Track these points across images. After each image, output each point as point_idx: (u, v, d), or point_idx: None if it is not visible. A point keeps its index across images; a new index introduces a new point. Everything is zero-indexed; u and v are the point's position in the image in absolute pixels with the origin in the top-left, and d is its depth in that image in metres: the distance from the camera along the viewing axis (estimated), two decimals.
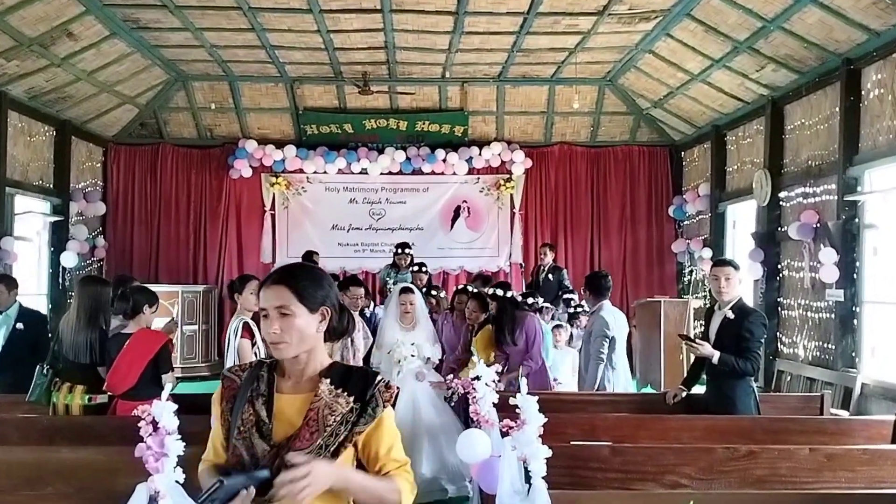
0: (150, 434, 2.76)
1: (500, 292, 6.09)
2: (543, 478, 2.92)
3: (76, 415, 4.97)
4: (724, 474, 3.62)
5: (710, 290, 5.52)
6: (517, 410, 2.96)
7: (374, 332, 6.73)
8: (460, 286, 7.64)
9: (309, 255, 10.27)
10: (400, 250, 9.20)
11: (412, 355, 6.04)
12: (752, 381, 4.84)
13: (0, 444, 4.03)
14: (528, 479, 3.23)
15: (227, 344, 5.13)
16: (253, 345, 5.13)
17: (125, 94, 10.60)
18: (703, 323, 5.23)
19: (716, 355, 4.70)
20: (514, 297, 6.18)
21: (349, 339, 5.62)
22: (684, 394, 5.11)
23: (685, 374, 5.57)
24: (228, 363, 5.03)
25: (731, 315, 4.79)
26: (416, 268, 8.91)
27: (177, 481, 2.86)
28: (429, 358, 6.23)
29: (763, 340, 4.90)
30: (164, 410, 2.81)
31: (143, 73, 10.28)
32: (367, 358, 6.37)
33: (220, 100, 11.36)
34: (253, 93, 11.32)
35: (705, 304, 10.42)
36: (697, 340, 4.85)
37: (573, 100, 10.87)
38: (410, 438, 5.65)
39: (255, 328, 5.17)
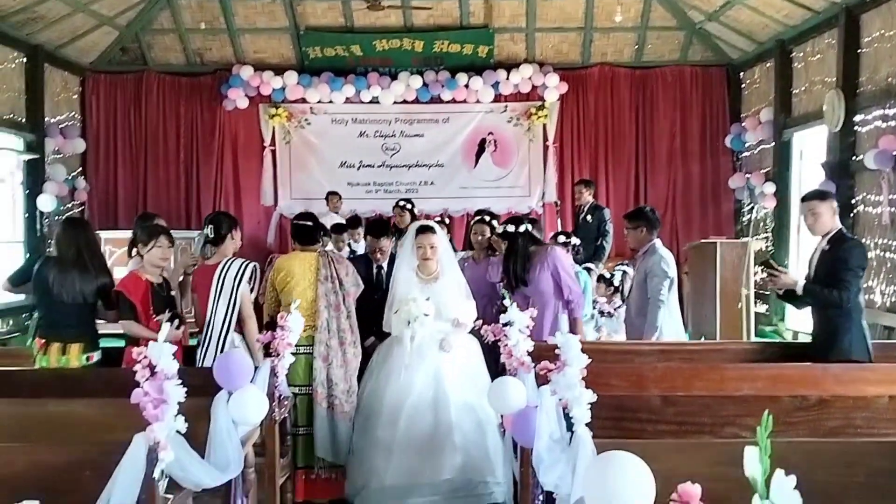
0: (148, 378, 2.81)
1: (510, 228, 5.84)
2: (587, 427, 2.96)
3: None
4: (792, 426, 3.63)
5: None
6: (557, 352, 2.98)
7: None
8: (477, 216, 7.08)
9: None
10: (398, 208, 8.68)
11: (426, 314, 5.25)
12: (862, 320, 4.93)
13: None
14: (569, 428, 3.27)
15: (220, 288, 5.15)
16: (252, 290, 5.25)
17: (102, 14, 10.56)
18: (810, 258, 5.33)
19: (799, 283, 4.86)
20: (528, 230, 5.81)
21: (336, 281, 5.48)
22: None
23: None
24: (220, 311, 5.08)
25: (826, 246, 4.97)
26: (401, 204, 8.59)
27: (178, 431, 2.94)
28: (457, 319, 5.42)
29: (859, 270, 4.95)
30: (162, 353, 2.86)
31: None
32: (362, 306, 5.78)
33: (210, 19, 11.28)
34: (247, 11, 11.24)
35: (767, 247, 10.38)
36: (779, 267, 4.94)
37: (615, 13, 10.67)
38: (432, 432, 5.14)
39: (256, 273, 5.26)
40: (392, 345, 5.49)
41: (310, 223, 5.73)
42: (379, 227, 6.39)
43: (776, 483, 1.13)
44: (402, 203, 8.53)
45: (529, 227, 5.88)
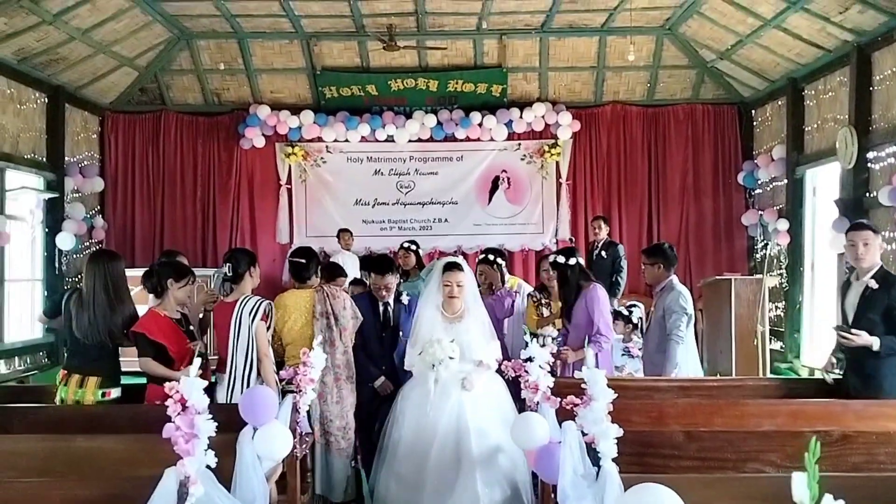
0: (179, 413, 2.84)
1: (561, 259, 5.98)
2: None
3: None
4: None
5: (843, 260, 5.55)
6: (583, 386, 3.00)
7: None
8: (480, 255, 7.04)
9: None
10: (402, 251, 8.37)
11: (451, 357, 5.16)
12: None
13: (4, 434, 4.15)
14: (594, 463, 3.28)
15: (238, 326, 5.18)
16: (269, 329, 5.25)
17: (123, 56, 10.73)
18: (840, 297, 5.24)
19: (875, 343, 4.71)
20: (579, 263, 5.97)
21: (332, 317, 5.50)
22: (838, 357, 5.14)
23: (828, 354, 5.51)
24: (241, 348, 5.11)
25: (873, 284, 4.83)
26: (405, 246, 8.35)
27: (208, 466, 2.97)
28: (481, 361, 5.33)
29: None
30: (193, 388, 2.90)
31: (143, 31, 10.41)
32: (368, 345, 5.85)
33: (228, 60, 11.45)
34: (265, 52, 11.41)
35: (781, 283, 10.38)
36: (853, 330, 4.78)
37: (627, 52, 10.78)
38: (456, 471, 5.05)
39: (271, 311, 5.29)
40: (415, 386, 5.42)
41: (303, 260, 5.74)
42: (383, 263, 6.12)
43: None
44: (405, 245, 8.36)
45: (581, 261, 5.99)
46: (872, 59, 8.55)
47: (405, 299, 6.06)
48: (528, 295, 6.63)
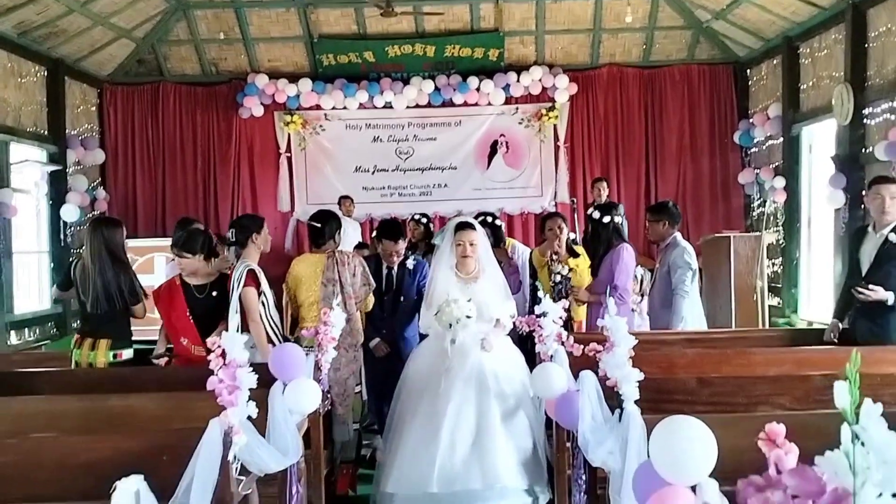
0: (222, 367, 2.98)
1: (596, 214, 6.14)
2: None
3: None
4: (822, 404, 3.78)
5: (865, 210, 5.64)
6: (605, 332, 3.15)
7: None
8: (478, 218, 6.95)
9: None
10: (413, 222, 8.29)
11: (468, 316, 5.11)
12: None
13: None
14: (611, 408, 3.44)
15: (232, 293, 5.27)
16: (259, 294, 5.29)
17: (121, 27, 10.73)
18: (853, 245, 5.35)
19: (890, 296, 4.85)
20: (614, 221, 6.10)
21: (338, 284, 5.55)
22: (841, 326, 5.25)
23: (834, 307, 5.63)
24: (232, 315, 5.22)
25: (894, 238, 4.94)
26: (416, 218, 8.31)
27: (249, 417, 3.11)
28: (498, 319, 5.32)
29: None
30: (234, 343, 3.03)
31: (140, 2, 10.39)
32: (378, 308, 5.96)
33: (225, 29, 11.44)
34: (262, 20, 11.41)
35: (778, 240, 10.54)
36: (870, 286, 4.91)
37: (623, 14, 10.83)
38: (476, 433, 5.02)
39: (261, 275, 5.37)
40: (430, 348, 5.41)
41: (318, 224, 5.80)
42: (393, 229, 6.11)
43: (865, 411, 1.29)
44: (416, 217, 8.37)
45: (617, 220, 6.11)
46: (867, 16, 8.62)
47: (410, 263, 6.08)
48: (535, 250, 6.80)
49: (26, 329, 9.53)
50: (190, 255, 5.24)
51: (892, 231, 4.96)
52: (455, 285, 5.32)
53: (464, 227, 5.45)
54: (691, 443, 2.06)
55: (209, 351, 3.01)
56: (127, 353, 5.37)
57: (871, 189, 5.14)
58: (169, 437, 3.09)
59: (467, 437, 5.03)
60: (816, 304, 9.85)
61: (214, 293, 5.31)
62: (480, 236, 5.47)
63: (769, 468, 1.33)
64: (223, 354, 2.99)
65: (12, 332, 9.18)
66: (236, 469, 3.07)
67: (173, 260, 5.81)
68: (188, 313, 5.26)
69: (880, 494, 1.23)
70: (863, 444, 1.25)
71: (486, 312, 5.26)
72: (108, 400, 3.89)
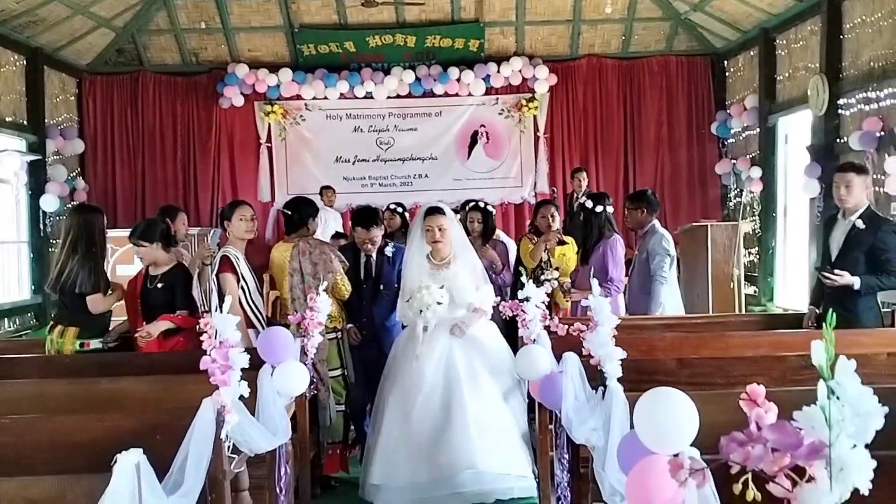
0: (215, 347, 3.04)
1: (589, 204, 6.25)
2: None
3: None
4: (798, 383, 3.88)
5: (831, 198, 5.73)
6: (589, 312, 3.23)
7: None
8: (471, 204, 7.21)
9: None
10: (387, 212, 8.21)
11: (438, 303, 5.06)
12: (877, 296, 5.07)
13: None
14: (594, 388, 3.53)
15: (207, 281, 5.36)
16: (238, 279, 5.35)
17: (100, 16, 10.70)
18: (823, 232, 5.46)
19: (856, 282, 4.91)
20: (606, 212, 6.21)
21: (299, 274, 5.55)
22: (818, 311, 5.36)
23: (810, 294, 5.75)
24: (213, 302, 5.26)
25: (861, 224, 5.01)
26: (392, 207, 8.32)
27: (241, 396, 3.17)
28: (476, 308, 5.27)
29: None
30: (226, 324, 3.09)
31: None
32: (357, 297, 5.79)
33: (206, 19, 11.44)
34: (242, 10, 11.41)
35: (754, 230, 10.69)
36: (836, 271, 4.99)
37: (603, 4, 10.94)
38: (448, 420, 4.98)
39: (237, 262, 5.41)
40: (406, 336, 5.38)
41: (288, 211, 5.81)
42: (366, 217, 5.88)
43: (839, 367, 1.38)
44: (392, 206, 8.39)
45: (609, 210, 6.20)
46: (843, 8, 8.74)
47: (388, 251, 5.94)
48: (523, 236, 6.90)
49: (6, 319, 9.52)
50: (146, 243, 5.27)
51: (858, 218, 5.04)
52: (427, 272, 5.29)
53: (432, 212, 5.38)
54: (674, 412, 2.15)
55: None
56: (94, 343, 5.26)
57: (833, 178, 5.27)
58: (162, 416, 3.15)
59: (439, 425, 5.00)
60: (792, 292, 10.01)
61: (160, 284, 5.26)
62: (451, 221, 5.41)
63: (750, 425, 1.41)
64: (215, 335, 3.05)
65: None
66: (228, 447, 3.13)
67: None
68: (138, 301, 5.30)
69: (854, 446, 1.31)
70: (837, 398, 1.33)
71: (460, 298, 5.22)
72: (98, 383, 3.93)
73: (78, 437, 3.05)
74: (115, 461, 2.27)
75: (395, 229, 8.07)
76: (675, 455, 2.18)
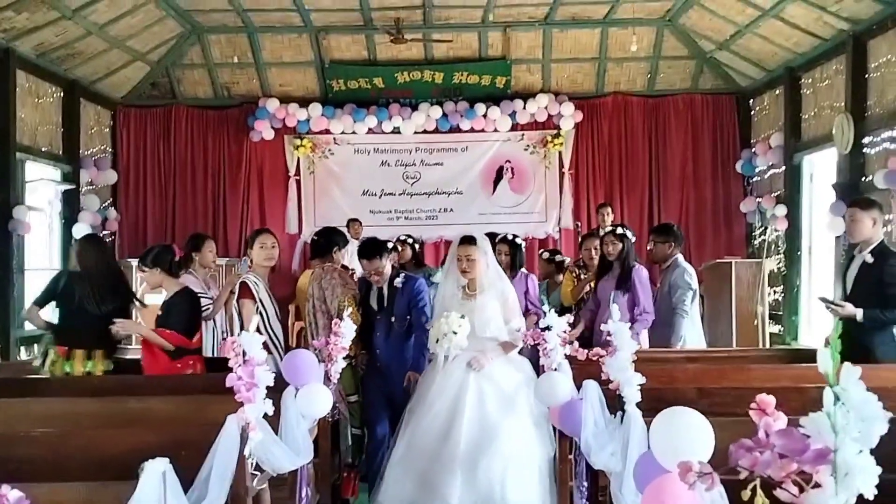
0: (241, 365, 3.11)
1: (619, 231, 6.39)
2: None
3: None
4: None
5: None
6: (608, 338, 3.27)
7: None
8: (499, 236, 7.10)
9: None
10: (400, 242, 8.32)
11: (454, 332, 5.00)
12: (894, 328, 5.08)
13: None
14: (612, 412, 3.56)
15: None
16: (256, 302, 5.49)
17: (136, 50, 10.96)
18: (843, 269, 5.52)
19: (859, 314, 4.96)
20: (631, 243, 6.36)
21: (319, 300, 5.70)
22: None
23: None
24: (236, 329, 5.41)
25: (869, 259, 5.08)
26: (402, 238, 8.46)
27: (266, 414, 3.23)
28: (505, 341, 5.25)
29: None
30: (252, 342, 3.16)
31: (156, 26, 10.63)
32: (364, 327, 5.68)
33: (238, 54, 11.67)
34: (274, 45, 11.64)
35: (779, 268, 10.66)
36: (837, 301, 5.08)
37: (629, 43, 11.05)
38: (436, 455, 4.97)
39: (257, 288, 5.55)
40: (431, 366, 5.38)
41: (315, 238, 6.00)
42: (370, 248, 5.79)
43: (845, 372, 1.42)
44: (403, 238, 8.50)
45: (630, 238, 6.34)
46: (868, 47, 8.80)
47: (398, 282, 5.80)
48: (567, 269, 7.00)
49: (35, 345, 9.64)
50: (146, 269, 5.41)
51: (869, 252, 5.09)
52: (458, 301, 5.30)
53: (463, 241, 5.41)
54: (689, 430, 2.19)
55: None
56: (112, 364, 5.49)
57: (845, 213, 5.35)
58: (188, 433, 3.21)
59: (427, 455, 5.01)
60: (816, 331, 9.94)
61: (161, 308, 5.41)
62: (481, 252, 5.39)
63: (759, 433, 1.45)
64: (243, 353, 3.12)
65: (22, 348, 9.30)
66: (252, 464, 3.19)
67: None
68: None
69: (860, 451, 1.35)
70: (843, 404, 1.37)
71: (482, 330, 5.17)
72: (126, 402, 4.02)
73: (107, 450, 3.12)
74: (142, 468, 2.33)
75: (405, 261, 8.13)
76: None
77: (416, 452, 5.07)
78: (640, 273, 6.24)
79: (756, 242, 11.69)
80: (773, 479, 1.41)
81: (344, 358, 5.28)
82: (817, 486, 1.38)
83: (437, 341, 5.04)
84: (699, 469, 1.45)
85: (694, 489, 1.44)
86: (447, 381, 5.14)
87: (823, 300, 5.30)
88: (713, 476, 1.43)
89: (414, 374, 5.55)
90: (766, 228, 11.26)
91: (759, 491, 1.42)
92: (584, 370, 4.33)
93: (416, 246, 8.80)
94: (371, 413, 5.82)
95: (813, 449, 1.35)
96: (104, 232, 11.37)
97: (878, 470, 1.37)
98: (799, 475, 1.41)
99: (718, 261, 10.06)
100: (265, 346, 5.33)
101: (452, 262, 5.45)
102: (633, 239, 6.39)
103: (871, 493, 1.35)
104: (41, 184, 9.91)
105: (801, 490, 1.39)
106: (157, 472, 2.34)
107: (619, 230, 6.39)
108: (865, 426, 1.34)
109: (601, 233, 10.01)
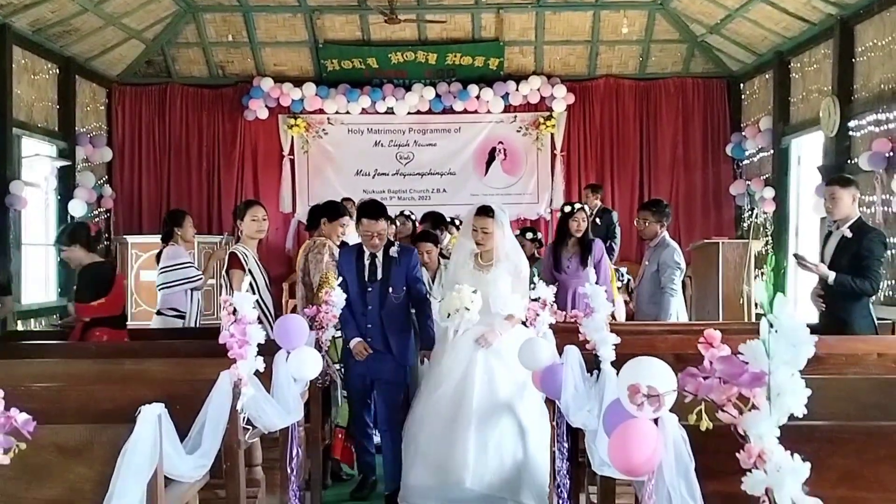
0: (233, 323, 3.24)
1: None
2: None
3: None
4: None
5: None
6: (586, 300, 3.42)
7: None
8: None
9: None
10: (402, 216, 8.49)
11: (467, 308, 4.89)
12: (869, 302, 5.30)
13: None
14: (589, 371, 3.70)
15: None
16: (245, 273, 5.63)
17: (132, 28, 11.03)
18: (822, 244, 5.73)
19: (831, 276, 5.17)
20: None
21: (303, 272, 5.89)
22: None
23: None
24: (225, 292, 5.59)
25: (848, 234, 5.27)
26: (405, 213, 8.51)
27: (257, 371, 3.37)
28: (511, 315, 5.10)
29: (882, 259, 5.35)
30: (244, 301, 3.29)
31: (152, 4, 10.69)
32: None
33: (233, 33, 11.75)
34: (269, 24, 11.72)
35: (766, 249, 10.81)
36: (809, 262, 5.25)
37: (621, 25, 11.15)
38: (447, 432, 4.97)
39: (245, 258, 5.72)
40: (440, 340, 5.34)
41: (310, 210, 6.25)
42: (373, 208, 5.45)
43: (777, 301, 1.56)
44: (406, 213, 8.73)
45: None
46: (855, 32, 8.91)
47: (394, 252, 5.41)
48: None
49: (32, 319, 9.78)
50: (65, 247, 5.65)
51: (847, 228, 5.29)
52: (470, 271, 5.20)
53: (479, 212, 5.29)
54: (653, 377, 2.31)
55: None
56: None
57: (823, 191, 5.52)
58: (182, 389, 3.34)
59: (439, 432, 5.02)
60: (802, 311, 10.09)
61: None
62: (497, 225, 5.24)
63: (705, 363, 1.59)
64: (234, 312, 3.26)
65: (19, 322, 9.42)
66: (243, 419, 3.33)
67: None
68: None
69: (792, 374, 1.49)
70: (776, 331, 1.51)
71: (493, 305, 5.07)
72: (122, 363, 4.16)
73: (103, 404, 3.26)
74: (139, 412, 2.47)
75: (404, 236, 8.16)
76: (655, 420, 2.37)
77: (426, 433, 5.06)
78: (598, 245, 6.61)
79: (745, 225, 11.83)
80: (716, 403, 1.55)
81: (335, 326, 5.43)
82: (754, 408, 1.52)
83: (449, 316, 4.98)
84: (646, 391, 1.59)
85: (642, 409, 1.57)
86: (455, 359, 5.10)
87: (797, 257, 5.50)
88: (661, 397, 1.57)
89: (427, 353, 5.44)
90: (754, 211, 11.39)
91: (703, 415, 1.55)
92: (566, 338, 4.47)
93: (416, 225, 8.90)
94: (358, 431, 5.58)
95: (750, 372, 1.49)
96: (99, 209, 11.47)
97: (808, 392, 1.51)
98: (739, 400, 1.55)
99: (706, 241, 10.19)
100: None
101: (467, 232, 5.35)
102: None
103: (800, 412, 1.49)
104: (37, 160, 9.98)
105: (741, 413, 1.53)
106: (153, 415, 2.47)
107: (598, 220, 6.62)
108: (795, 351, 1.48)
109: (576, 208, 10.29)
